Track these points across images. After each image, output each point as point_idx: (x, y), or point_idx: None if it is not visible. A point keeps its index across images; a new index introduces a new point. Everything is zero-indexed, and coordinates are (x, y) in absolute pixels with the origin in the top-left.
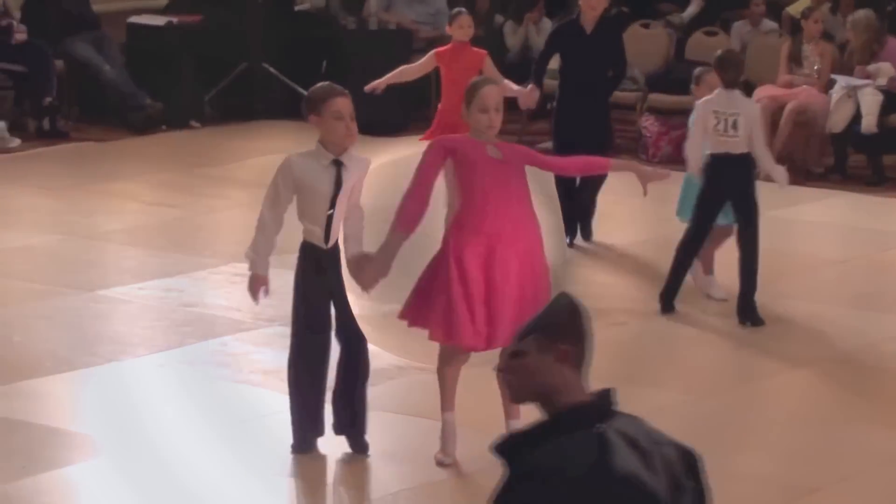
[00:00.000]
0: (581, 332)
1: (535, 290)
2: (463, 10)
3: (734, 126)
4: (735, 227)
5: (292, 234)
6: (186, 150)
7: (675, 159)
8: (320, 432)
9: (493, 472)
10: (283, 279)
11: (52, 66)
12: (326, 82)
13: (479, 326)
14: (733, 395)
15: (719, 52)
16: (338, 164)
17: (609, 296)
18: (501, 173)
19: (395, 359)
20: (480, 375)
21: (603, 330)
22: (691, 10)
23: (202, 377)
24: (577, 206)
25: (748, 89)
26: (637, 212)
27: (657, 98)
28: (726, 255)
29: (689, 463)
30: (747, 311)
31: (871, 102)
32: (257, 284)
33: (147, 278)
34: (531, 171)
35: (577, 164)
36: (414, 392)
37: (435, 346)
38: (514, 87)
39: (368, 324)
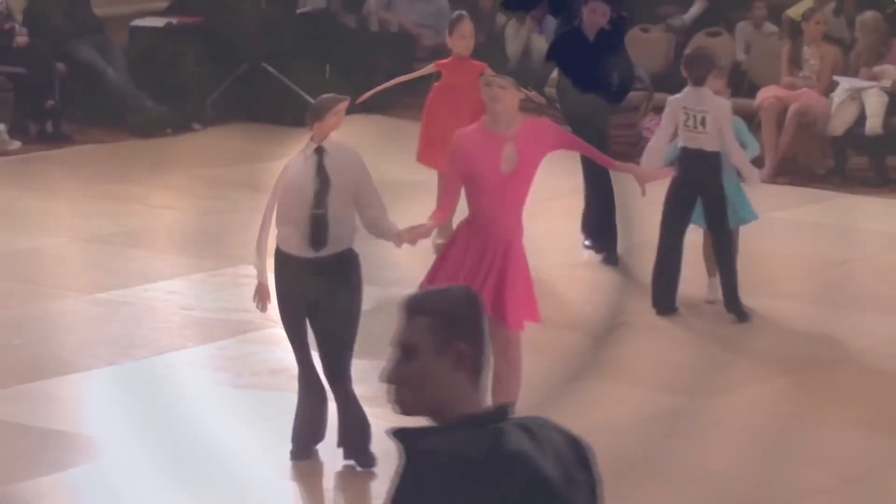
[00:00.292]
0: (479, 329)
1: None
2: (464, 14)
3: (702, 123)
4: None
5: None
6: (188, 152)
7: None
8: (319, 439)
9: None
10: None
11: (54, 68)
12: (331, 95)
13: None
14: (733, 396)
15: (688, 50)
16: (319, 152)
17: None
18: (504, 189)
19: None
20: None
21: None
22: (694, 10)
23: (205, 380)
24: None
25: (752, 90)
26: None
27: (662, 98)
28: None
29: (579, 453)
30: (733, 305)
31: (876, 104)
32: (263, 292)
33: (150, 280)
34: None
35: (592, 151)
36: None
37: None
38: None
39: None
